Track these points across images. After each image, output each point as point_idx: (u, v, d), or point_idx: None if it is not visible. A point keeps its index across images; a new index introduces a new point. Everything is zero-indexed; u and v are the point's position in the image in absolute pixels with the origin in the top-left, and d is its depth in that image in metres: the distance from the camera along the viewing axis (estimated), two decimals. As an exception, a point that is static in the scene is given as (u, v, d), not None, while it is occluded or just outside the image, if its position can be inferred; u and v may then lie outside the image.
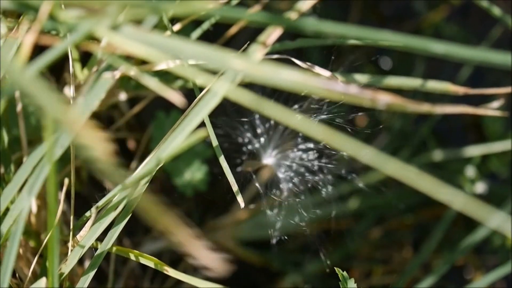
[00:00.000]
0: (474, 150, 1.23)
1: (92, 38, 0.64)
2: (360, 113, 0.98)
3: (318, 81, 0.61)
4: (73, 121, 0.53)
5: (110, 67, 0.66)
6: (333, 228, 1.17)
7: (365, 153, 0.59)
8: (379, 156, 0.58)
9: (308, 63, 0.85)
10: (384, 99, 0.63)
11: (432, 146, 1.27)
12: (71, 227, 0.82)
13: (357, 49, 1.37)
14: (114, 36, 0.60)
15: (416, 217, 1.30)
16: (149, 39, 0.61)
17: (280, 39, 0.91)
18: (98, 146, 0.51)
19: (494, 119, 1.32)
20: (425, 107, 0.66)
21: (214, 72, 0.67)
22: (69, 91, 0.98)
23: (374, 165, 0.58)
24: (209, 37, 0.91)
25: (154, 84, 0.62)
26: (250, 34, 1.09)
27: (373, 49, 1.38)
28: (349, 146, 0.58)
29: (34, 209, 0.92)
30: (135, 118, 1.11)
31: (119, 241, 1.09)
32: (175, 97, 0.60)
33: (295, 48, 0.92)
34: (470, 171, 1.24)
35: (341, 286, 0.80)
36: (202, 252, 0.79)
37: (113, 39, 0.61)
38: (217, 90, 0.64)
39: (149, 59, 0.61)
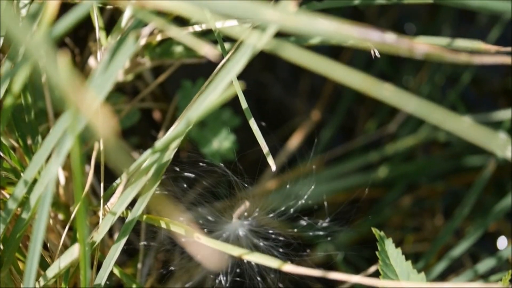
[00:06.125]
0: (504, 114, 1.21)
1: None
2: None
3: (354, 30, 0.59)
4: (87, 104, 0.51)
5: (138, 25, 0.65)
6: (364, 197, 1.15)
7: (409, 103, 0.57)
8: (424, 105, 0.56)
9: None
10: (421, 48, 0.61)
11: (461, 112, 1.25)
12: (102, 193, 0.81)
13: (381, 14, 1.35)
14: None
15: (447, 184, 1.28)
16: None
17: (307, 0, 0.89)
18: (107, 134, 0.50)
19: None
20: (463, 57, 0.64)
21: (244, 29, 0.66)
22: (93, 62, 0.97)
23: (418, 114, 0.56)
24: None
25: (185, 37, 0.60)
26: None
27: (398, 15, 1.36)
28: (392, 94, 0.56)
29: (62, 180, 0.91)
30: (160, 88, 1.09)
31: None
32: (208, 50, 0.58)
33: (321, 11, 0.90)
34: (501, 136, 1.22)
35: (378, 247, 0.78)
36: (200, 247, 0.78)
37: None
38: (251, 43, 0.62)
39: (181, 13, 0.59)
